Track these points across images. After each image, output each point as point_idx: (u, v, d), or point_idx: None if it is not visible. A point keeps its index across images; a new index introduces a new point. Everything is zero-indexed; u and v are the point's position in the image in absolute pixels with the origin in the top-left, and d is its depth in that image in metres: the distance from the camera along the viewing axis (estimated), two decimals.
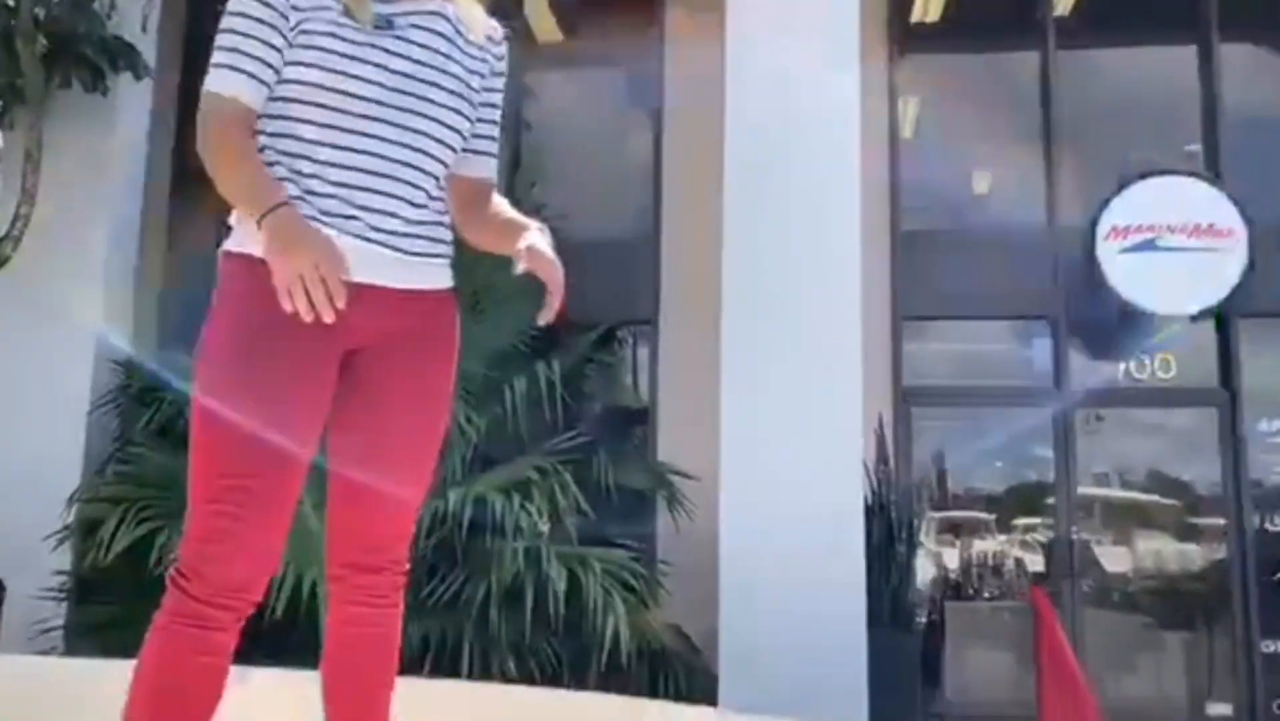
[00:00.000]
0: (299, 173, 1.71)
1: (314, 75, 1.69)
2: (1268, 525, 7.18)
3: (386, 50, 1.73)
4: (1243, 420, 7.25)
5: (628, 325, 7.43)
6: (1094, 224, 6.97)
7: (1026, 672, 6.57)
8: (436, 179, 1.79)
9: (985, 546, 7.58)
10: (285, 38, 1.70)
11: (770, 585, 5.51)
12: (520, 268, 1.73)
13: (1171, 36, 8.03)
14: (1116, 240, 6.92)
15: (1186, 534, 7.46)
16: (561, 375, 6.26)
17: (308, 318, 1.57)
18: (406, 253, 1.75)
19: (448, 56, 1.80)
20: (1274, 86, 8.04)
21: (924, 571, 7.20)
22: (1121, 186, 7.00)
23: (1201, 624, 7.34)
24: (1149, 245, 6.88)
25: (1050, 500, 7.38)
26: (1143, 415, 7.62)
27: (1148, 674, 7.27)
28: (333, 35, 1.70)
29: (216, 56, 1.73)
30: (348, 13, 1.72)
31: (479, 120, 1.87)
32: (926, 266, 7.50)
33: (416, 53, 1.77)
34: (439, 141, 1.77)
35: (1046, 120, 7.73)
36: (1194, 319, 6.92)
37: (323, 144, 1.70)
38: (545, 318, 1.76)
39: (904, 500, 6.61)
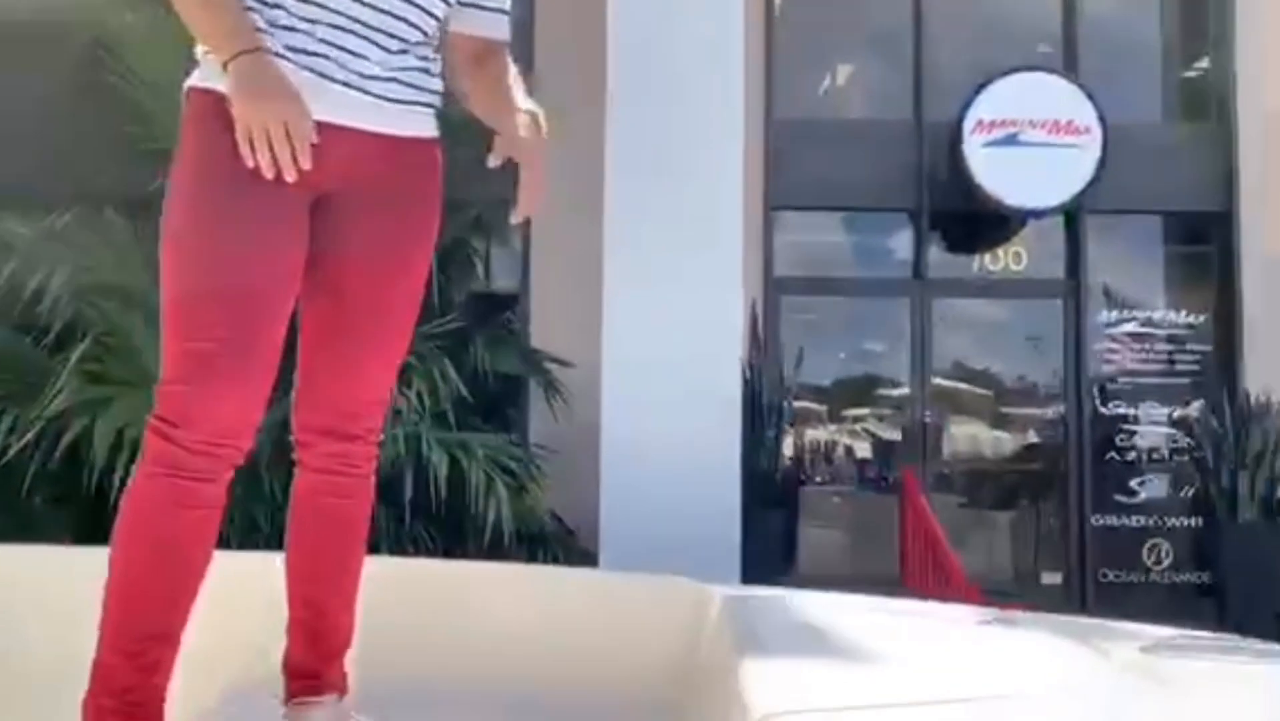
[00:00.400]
0: (264, 3, 1.54)
1: None
2: (1102, 410, 7.68)
3: None
4: (1086, 312, 7.67)
5: (504, 205, 7.23)
6: (960, 117, 7.14)
7: (884, 545, 6.94)
8: (421, 28, 1.63)
9: (844, 430, 7.87)
10: None
11: (650, 471, 5.57)
12: (491, 160, 1.59)
13: None
14: (981, 134, 7.12)
15: (1030, 419, 7.92)
16: (435, 256, 6.06)
17: (269, 174, 1.44)
18: (381, 98, 1.60)
19: None
20: None
21: (791, 454, 7.44)
22: (987, 81, 7.17)
23: (1041, 502, 7.85)
24: (1012, 140, 7.11)
25: (906, 388, 7.68)
26: (995, 305, 7.95)
27: (991, 548, 7.75)
28: None
29: None
30: None
31: None
32: (796, 157, 7.55)
33: None
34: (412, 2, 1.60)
35: (917, 15, 7.78)
36: (1049, 214, 7.22)
37: None
38: (516, 216, 1.66)
39: (774, 387, 6.77)
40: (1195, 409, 7.57)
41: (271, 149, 1.43)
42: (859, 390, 8.00)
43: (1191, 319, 7.77)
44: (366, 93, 1.59)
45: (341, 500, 1.68)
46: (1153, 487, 7.59)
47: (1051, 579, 7.60)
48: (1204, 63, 8.09)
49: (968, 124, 7.10)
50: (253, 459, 1.60)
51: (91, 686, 1.45)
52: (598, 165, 5.91)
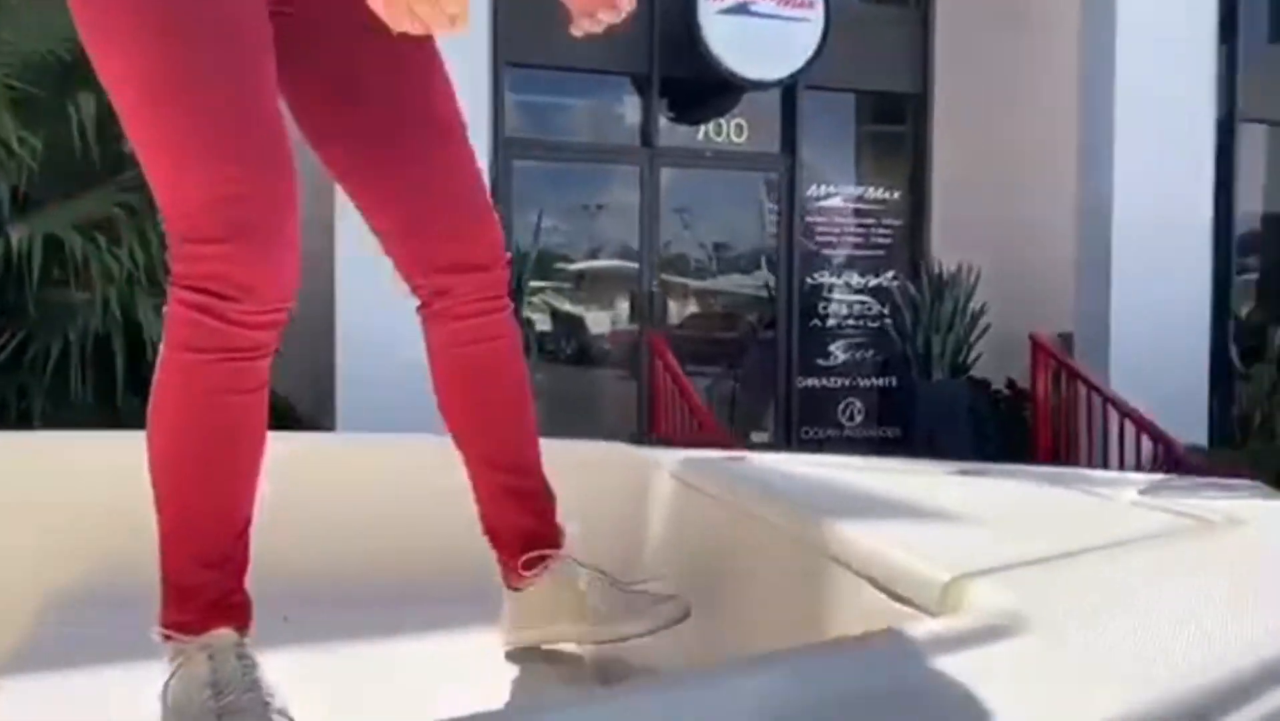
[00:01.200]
0: None
1: None
2: (808, 280, 8.13)
3: None
4: (798, 185, 8.00)
5: None
6: None
7: (624, 401, 7.07)
8: None
9: (575, 297, 7.84)
10: None
11: (385, 354, 5.33)
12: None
13: None
14: (715, 1, 7.10)
15: (745, 287, 8.24)
16: None
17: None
18: None
19: None
20: None
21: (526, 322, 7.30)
22: None
23: (752, 365, 8.24)
24: (743, 9, 7.15)
25: (635, 261, 7.71)
26: (718, 175, 8.10)
27: (708, 408, 8.07)
28: None
29: None
30: None
31: None
32: (527, 12, 7.21)
33: None
34: None
35: None
36: (776, 86, 7.39)
37: None
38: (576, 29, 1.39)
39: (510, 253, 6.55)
40: (888, 279, 8.18)
41: None
42: (589, 256, 7.97)
43: (887, 194, 8.32)
44: None
45: (495, 341, 1.43)
46: (851, 351, 8.19)
47: (760, 436, 8.05)
48: None
49: None
50: None
51: (167, 610, 1.21)
52: None
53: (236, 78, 1.16)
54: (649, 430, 6.32)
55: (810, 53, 7.27)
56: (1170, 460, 6.07)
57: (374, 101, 1.34)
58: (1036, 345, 6.95)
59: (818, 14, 7.27)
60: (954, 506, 1.30)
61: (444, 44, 1.30)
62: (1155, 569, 1.02)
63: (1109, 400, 6.50)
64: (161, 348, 1.22)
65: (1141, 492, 1.40)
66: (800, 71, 7.34)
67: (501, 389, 1.46)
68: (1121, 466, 6.17)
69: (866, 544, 1.06)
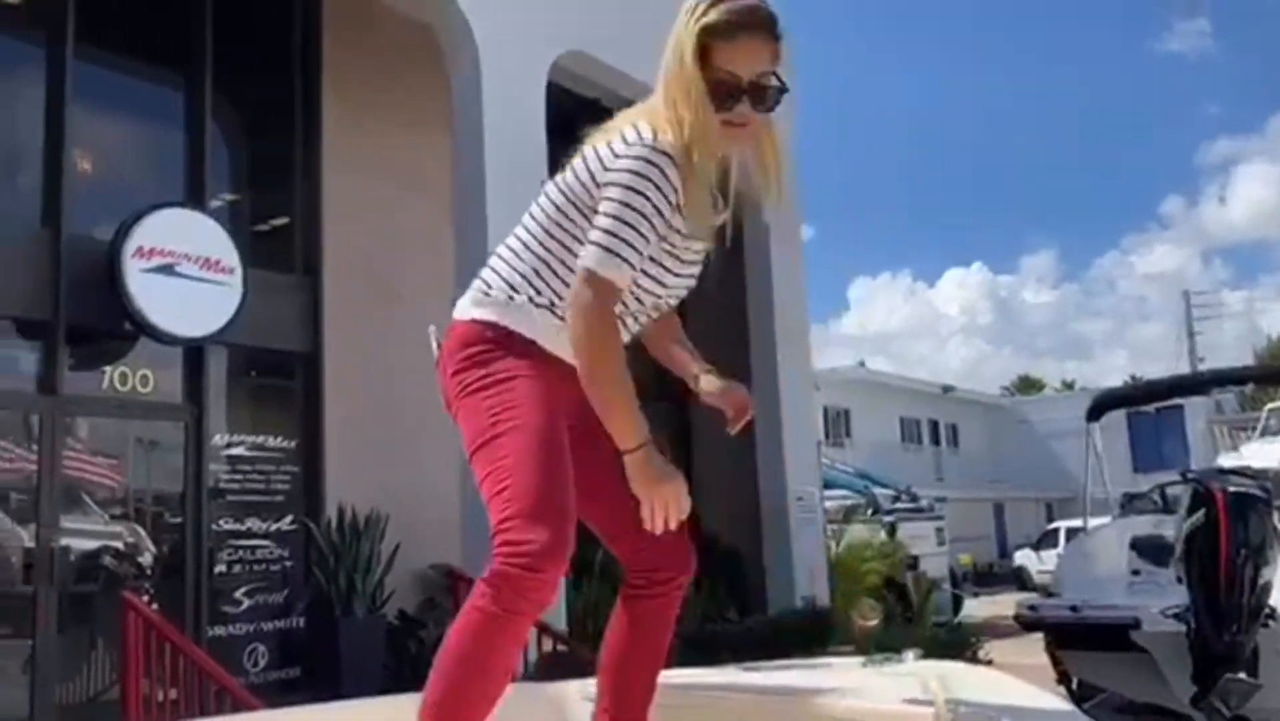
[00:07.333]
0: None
1: (645, 282, 2.00)
2: (214, 526, 8.24)
3: (692, 266, 2.08)
4: (206, 433, 8.20)
5: None
6: (121, 239, 7.25)
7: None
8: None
9: None
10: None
11: None
12: (732, 421, 2.20)
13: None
14: (141, 260, 7.32)
15: (162, 532, 8.07)
16: None
17: (659, 530, 1.90)
18: None
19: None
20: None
21: None
22: (148, 210, 7.43)
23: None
24: (169, 269, 7.45)
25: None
26: (128, 423, 7.97)
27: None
28: (678, 257, 2.02)
29: (615, 241, 1.88)
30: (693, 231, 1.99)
31: None
32: None
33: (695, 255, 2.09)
34: (670, 306, 2.19)
35: (58, 129, 7.61)
36: (201, 342, 7.69)
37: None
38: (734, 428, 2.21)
39: None
40: (286, 523, 8.62)
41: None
42: None
43: (287, 442, 8.86)
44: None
45: (671, 621, 2.09)
46: (260, 595, 8.38)
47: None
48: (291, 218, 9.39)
49: (128, 247, 7.25)
50: None
51: None
52: None
53: (562, 464, 1.91)
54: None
55: (231, 314, 7.75)
56: None
57: (616, 469, 1.98)
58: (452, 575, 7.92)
59: (237, 280, 7.83)
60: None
61: None
62: None
63: None
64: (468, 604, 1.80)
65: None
66: (222, 330, 7.76)
67: (658, 649, 2.10)
68: None
69: None
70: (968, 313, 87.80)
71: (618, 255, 1.86)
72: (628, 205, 1.86)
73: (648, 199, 1.85)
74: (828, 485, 14.05)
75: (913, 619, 12.79)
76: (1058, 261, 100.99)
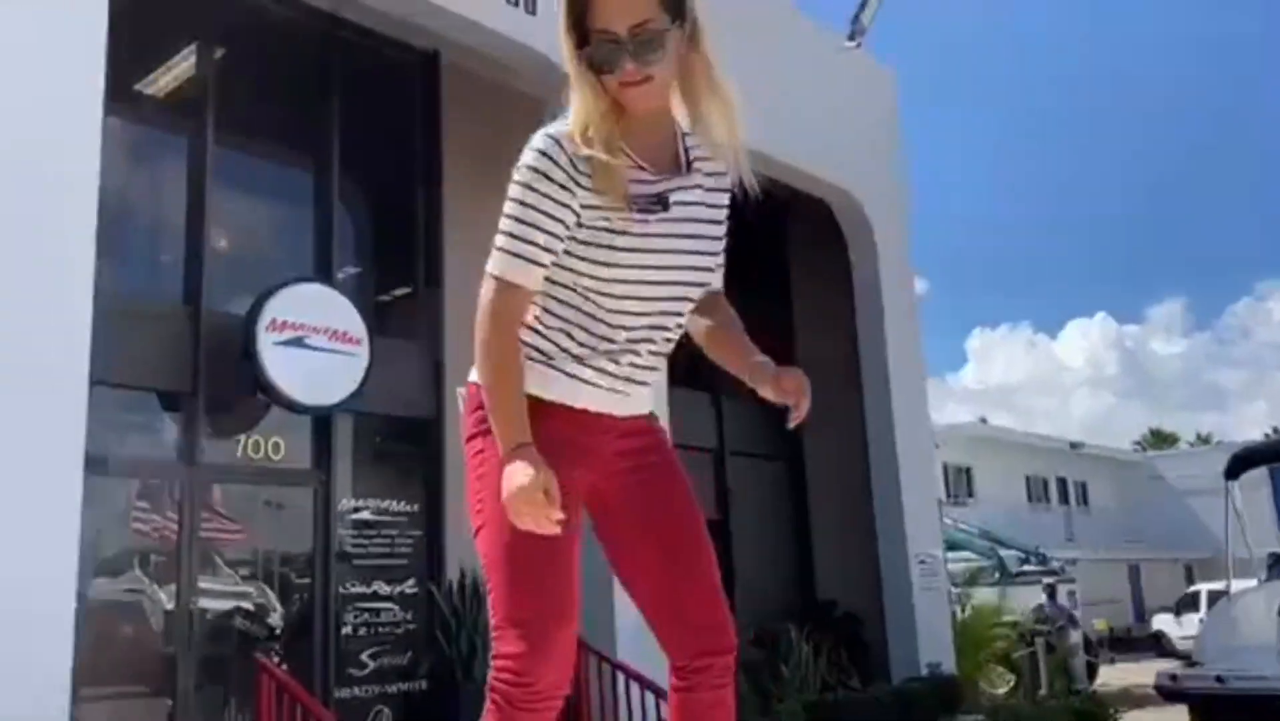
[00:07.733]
0: (570, 339, 1.93)
1: (602, 271, 1.87)
2: (341, 588, 8.45)
3: (660, 243, 1.90)
4: (333, 498, 8.46)
5: None
6: (255, 313, 7.60)
7: None
8: (680, 325, 2.00)
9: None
10: (568, 225, 1.85)
11: None
12: (794, 409, 1.96)
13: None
14: (274, 332, 7.65)
15: (287, 594, 8.33)
16: None
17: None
18: (633, 381, 1.96)
19: (701, 221, 1.95)
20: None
21: None
22: (280, 285, 7.78)
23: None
24: (299, 341, 7.77)
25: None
26: (261, 489, 8.29)
27: None
28: (615, 232, 1.85)
29: (507, 239, 1.85)
30: (619, 219, 1.86)
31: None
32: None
33: (684, 228, 1.92)
34: (688, 300, 1.96)
35: (199, 210, 8.07)
36: (330, 411, 7.98)
37: (596, 319, 1.91)
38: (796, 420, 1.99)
39: None
40: (409, 586, 8.79)
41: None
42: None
43: (410, 506, 9.07)
44: (626, 388, 1.99)
45: (720, 701, 1.99)
46: (385, 657, 8.54)
47: None
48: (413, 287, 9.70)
49: (262, 320, 7.58)
50: None
51: None
52: None
53: (539, 561, 1.83)
54: None
55: (357, 383, 8.02)
56: None
57: (658, 546, 1.98)
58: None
59: (364, 350, 8.11)
60: None
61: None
62: None
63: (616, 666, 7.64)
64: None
65: None
66: (348, 399, 8.03)
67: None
68: None
69: None
70: (1093, 364, 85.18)
71: (508, 251, 1.86)
72: (512, 201, 1.86)
73: (529, 188, 1.83)
74: (951, 546, 13.70)
75: (1042, 686, 12.30)
76: (1186, 309, 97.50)
